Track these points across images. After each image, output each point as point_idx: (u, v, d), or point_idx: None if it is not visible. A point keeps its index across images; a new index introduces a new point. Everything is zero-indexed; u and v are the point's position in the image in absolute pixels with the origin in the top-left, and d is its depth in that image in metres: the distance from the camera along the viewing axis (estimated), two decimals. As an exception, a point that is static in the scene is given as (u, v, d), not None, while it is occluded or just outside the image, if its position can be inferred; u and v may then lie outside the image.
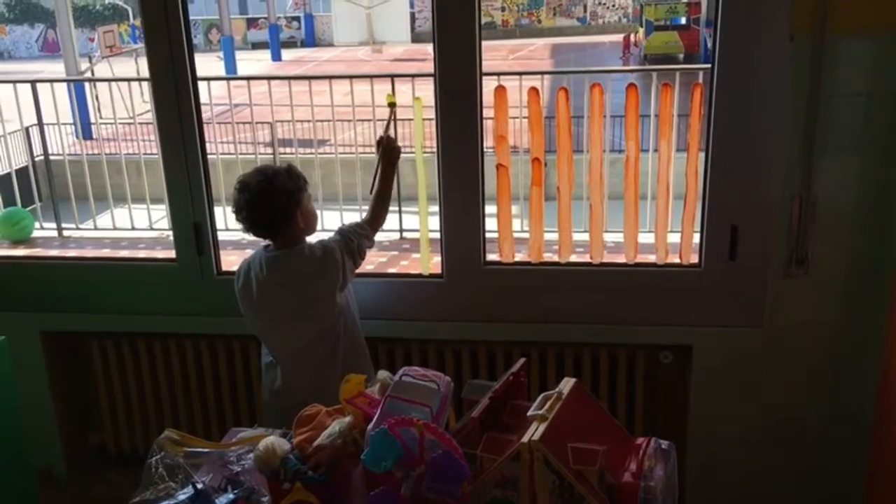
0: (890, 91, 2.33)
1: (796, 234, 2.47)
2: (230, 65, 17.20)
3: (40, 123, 6.72)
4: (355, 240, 2.40)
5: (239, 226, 2.36)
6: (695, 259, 2.65)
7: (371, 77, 6.30)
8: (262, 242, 2.42)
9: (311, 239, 2.42)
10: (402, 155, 2.55)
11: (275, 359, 2.45)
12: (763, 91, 2.37)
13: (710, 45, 2.65)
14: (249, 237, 2.39)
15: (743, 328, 2.59)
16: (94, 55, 13.17)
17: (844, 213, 2.46)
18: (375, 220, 2.48)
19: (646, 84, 6.10)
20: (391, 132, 2.50)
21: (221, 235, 2.96)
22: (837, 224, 2.46)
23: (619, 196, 2.92)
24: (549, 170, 3.08)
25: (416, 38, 18.43)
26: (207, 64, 17.74)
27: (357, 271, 2.47)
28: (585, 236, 2.99)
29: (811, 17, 2.29)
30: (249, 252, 2.47)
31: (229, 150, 6.87)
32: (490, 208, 2.69)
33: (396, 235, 5.57)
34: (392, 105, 2.53)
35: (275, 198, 2.29)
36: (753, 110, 2.39)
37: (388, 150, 2.49)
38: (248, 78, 7.42)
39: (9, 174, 6.64)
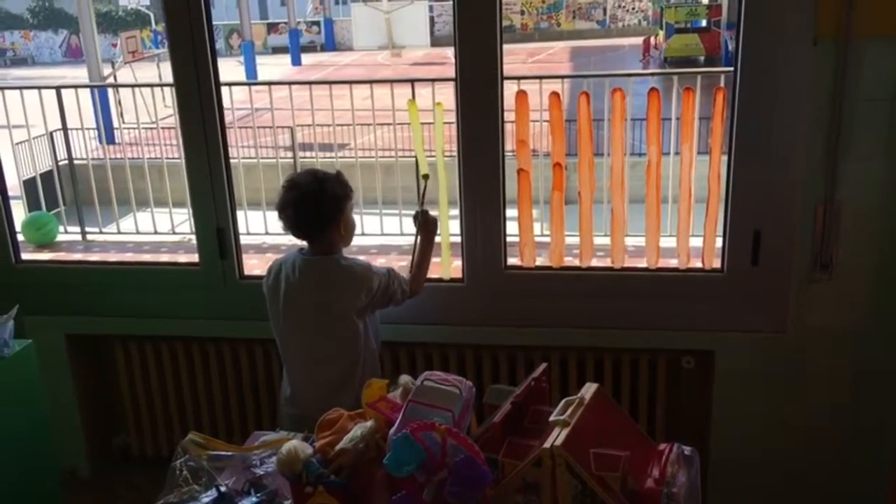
0: (915, 95, 2.31)
1: (820, 238, 2.45)
2: (251, 69, 17.31)
3: (64, 128, 6.81)
4: (396, 285, 2.42)
5: (276, 226, 2.37)
6: (717, 264, 2.64)
7: (391, 82, 6.31)
8: (284, 246, 2.43)
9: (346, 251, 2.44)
10: (428, 158, 2.57)
11: (287, 367, 2.46)
12: (786, 95, 2.36)
13: (731, 47, 2.64)
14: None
15: (766, 333, 2.58)
16: (117, 60, 13.30)
17: (868, 217, 2.44)
18: (414, 284, 2.50)
19: (667, 87, 6.08)
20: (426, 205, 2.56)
21: (244, 239, 2.98)
22: (861, 229, 2.44)
23: (641, 199, 2.91)
24: (569, 173, 3.08)
25: (436, 41, 18.45)
26: (228, 68, 17.84)
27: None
28: (607, 240, 2.98)
29: (835, 21, 2.27)
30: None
31: (250, 154, 6.92)
32: (511, 212, 2.69)
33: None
34: (425, 178, 2.59)
35: (322, 201, 2.32)
36: (776, 114, 2.38)
37: (425, 224, 2.53)
38: (270, 83, 7.48)
39: (34, 178, 6.73)
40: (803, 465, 2.68)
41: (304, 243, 2.42)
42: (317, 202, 2.31)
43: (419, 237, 2.53)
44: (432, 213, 2.59)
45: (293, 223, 2.35)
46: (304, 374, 2.42)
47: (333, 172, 2.39)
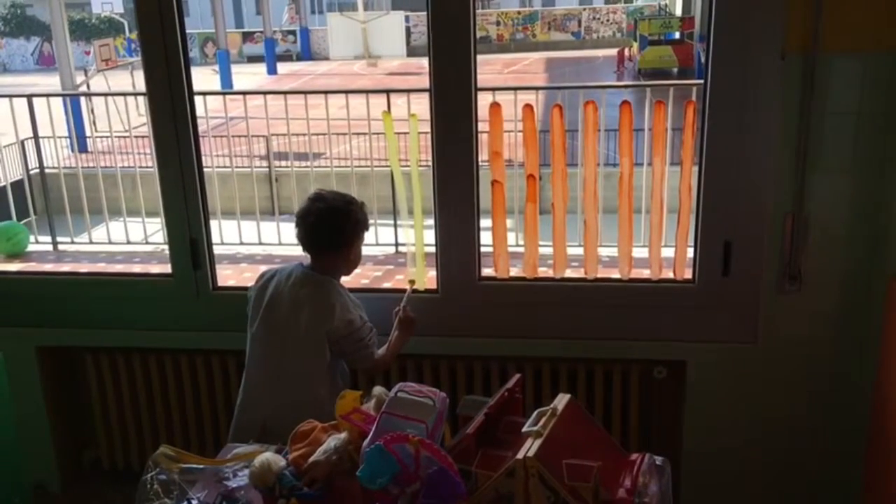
0: (879, 109, 2.36)
1: (789, 250, 2.49)
2: (226, 78, 17.21)
3: (36, 137, 6.74)
4: (370, 342, 2.40)
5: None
6: (688, 274, 2.67)
7: (366, 92, 6.33)
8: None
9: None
10: (403, 168, 2.57)
11: (245, 373, 2.44)
12: (755, 108, 2.39)
13: (703, 59, 2.67)
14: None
15: (737, 344, 2.60)
16: (90, 68, 13.20)
17: (836, 229, 2.47)
18: (380, 360, 2.48)
19: (640, 98, 6.14)
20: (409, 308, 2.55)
21: (218, 250, 2.97)
22: (829, 240, 2.48)
23: (614, 210, 2.93)
24: (543, 183, 3.10)
25: (412, 51, 18.50)
26: (203, 77, 17.79)
27: (353, 286, 2.49)
28: (580, 250, 3.00)
29: (803, 36, 2.31)
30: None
31: (225, 163, 6.88)
32: (485, 222, 2.70)
33: (392, 249, 5.58)
34: (412, 283, 2.64)
35: (345, 220, 2.36)
36: (746, 127, 2.41)
37: (404, 323, 2.53)
38: (245, 93, 7.45)
39: (4, 187, 6.65)
40: (775, 474, 2.71)
41: (302, 256, 2.42)
42: (340, 219, 2.35)
43: (395, 333, 2.53)
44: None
45: (309, 233, 2.36)
46: (258, 387, 2.39)
47: (360, 201, 2.44)
